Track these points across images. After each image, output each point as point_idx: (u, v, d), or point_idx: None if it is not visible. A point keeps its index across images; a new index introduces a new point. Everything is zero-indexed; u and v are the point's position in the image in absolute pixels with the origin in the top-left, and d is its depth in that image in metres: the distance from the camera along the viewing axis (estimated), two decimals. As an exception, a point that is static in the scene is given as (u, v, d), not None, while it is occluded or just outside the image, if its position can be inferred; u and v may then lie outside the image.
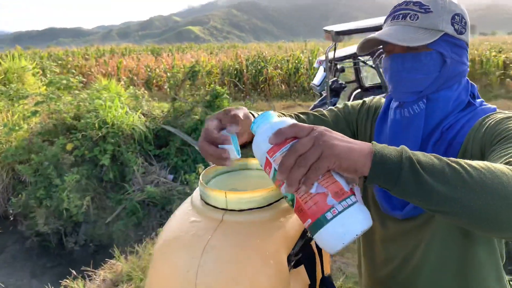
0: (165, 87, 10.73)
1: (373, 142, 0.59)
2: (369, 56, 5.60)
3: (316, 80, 6.37)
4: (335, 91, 5.22)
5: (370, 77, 6.24)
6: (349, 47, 6.18)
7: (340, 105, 1.09)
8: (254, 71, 11.60)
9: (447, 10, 0.85)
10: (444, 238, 0.86)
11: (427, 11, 0.85)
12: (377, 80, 5.96)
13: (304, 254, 0.68)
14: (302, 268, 0.71)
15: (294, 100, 10.06)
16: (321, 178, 0.57)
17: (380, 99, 1.07)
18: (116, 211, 4.63)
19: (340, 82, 5.43)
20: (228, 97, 5.82)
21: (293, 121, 0.62)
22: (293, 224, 0.68)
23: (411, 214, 0.89)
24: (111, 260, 3.28)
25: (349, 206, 0.57)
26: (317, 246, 0.72)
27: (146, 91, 6.51)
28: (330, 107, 1.08)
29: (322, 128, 0.58)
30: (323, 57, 6.38)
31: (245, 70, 11.73)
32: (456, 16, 0.86)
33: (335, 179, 0.58)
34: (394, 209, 0.91)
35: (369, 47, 0.95)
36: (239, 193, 0.68)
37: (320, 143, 0.55)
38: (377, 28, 4.67)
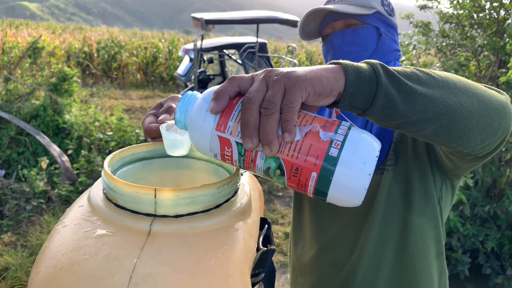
0: (-7, 65, 9.02)
1: (332, 60, 0.51)
2: (235, 50, 5.62)
3: (181, 69, 6.08)
4: (203, 82, 5.06)
5: (235, 72, 6.28)
6: (216, 38, 6.10)
7: None
8: (106, 56, 10.60)
9: None
10: (386, 210, 0.86)
11: None
12: (241, 75, 6.02)
13: (266, 271, 0.49)
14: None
15: (152, 91, 9.53)
16: (297, 120, 0.44)
17: None
18: None
19: (208, 73, 5.29)
20: (79, 81, 5.11)
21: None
22: (251, 231, 0.50)
23: None
24: None
25: (348, 131, 0.44)
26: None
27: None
28: None
29: (263, 70, 0.47)
30: (188, 45, 6.14)
31: (95, 55, 10.63)
32: (384, 1, 0.95)
33: (312, 115, 0.46)
34: None
35: (309, 34, 0.98)
36: (177, 190, 0.46)
37: (274, 78, 0.44)
38: (246, 20, 4.69)
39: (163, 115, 0.58)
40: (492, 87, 0.67)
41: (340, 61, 0.50)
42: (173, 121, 0.57)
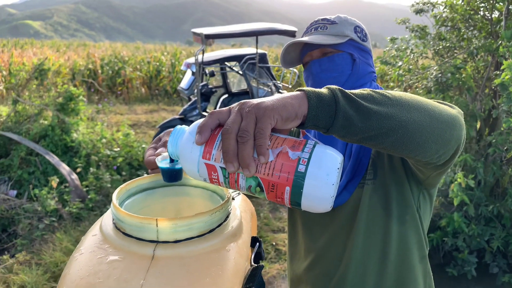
0: (0, 87, 9.22)
1: (298, 88, 0.59)
2: (236, 62, 5.71)
3: (184, 83, 6.20)
4: (205, 96, 5.16)
5: (236, 83, 6.38)
6: (217, 52, 6.21)
7: None
8: (110, 72, 10.78)
9: (349, 22, 1.02)
10: (368, 221, 0.93)
11: (333, 23, 1.01)
12: (244, 86, 6.13)
13: (256, 285, 0.57)
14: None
15: (157, 104, 9.67)
16: (269, 144, 0.52)
17: None
18: None
19: (210, 86, 5.40)
20: (85, 99, 5.24)
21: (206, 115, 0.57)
22: (241, 251, 0.57)
23: (337, 204, 0.95)
24: None
25: (313, 148, 0.52)
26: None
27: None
28: None
29: (237, 102, 0.55)
30: (190, 60, 6.26)
31: (100, 71, 10.81)
32: (357, 28, 1.03)
33: (283, 137, 0.54)
34: None
35: (290, 62, 1.07)
36: (175, 219, 0.53)
37: (247, 110, 0.52)
38: (246, 33, 4.79)
39: (160, 149, 0.66)
40: (445, 102, 0.75)
41: (304, 88, 0.58)
42: (167, 153, 0.65)
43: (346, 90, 0.60)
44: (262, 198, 0.55)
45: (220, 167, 0.53)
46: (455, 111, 0.73)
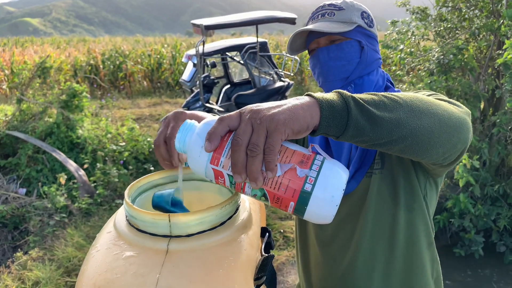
0: (3, 86, 9.25)
1: (308, 93, 0.58)
2: (236, 52, 5.70)
3: (186, 75, 6.20)
4: (208, 87, 5.17)
5: (238, 72, 6.38)
6: (217, 42, 6.20)
7: None
8: (112, 66, 10.77)
9: (356, 8, 1.01)
10: (377, 209, 0.94)
11: (341, 9, 0.99)
12: (245, 76, 6.13)
13: (267, 275, 0.59)
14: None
15: (160, 97, 9.68)
16: (278, 156, 0.52)
17: None
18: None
19: (212, 77, 5.40)
20: (88, 96, 5.26)
21: (216, 116, 0.56)
22: (252, 242, 0.59)
23: (345, 192, 0.93)
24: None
25: (321, 166, 0.52)
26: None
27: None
28: None
29: (249, 107, 0.54)
30: (191, 51, 6.26)
31: (101, 66, 10.81)
32: (364, 13, 1.01)
33: (292, 149, 0.54)
34: None
35: (296, 49, 1.05)
36: (187, 214, 0.55)
37: (258, 122, 0.51)
38: (245, 22, 4.78)
39: (167, 164, 0.67)
40: (452, 101, 0.76)
41: (316, 96, 0.57)
42: (167, 191, 0.64)
43: (357, 96, 0.60)
44: (266, 204, 0.56)
45: (228, 174, 0.54)
46: (463, 112, 0.74)
